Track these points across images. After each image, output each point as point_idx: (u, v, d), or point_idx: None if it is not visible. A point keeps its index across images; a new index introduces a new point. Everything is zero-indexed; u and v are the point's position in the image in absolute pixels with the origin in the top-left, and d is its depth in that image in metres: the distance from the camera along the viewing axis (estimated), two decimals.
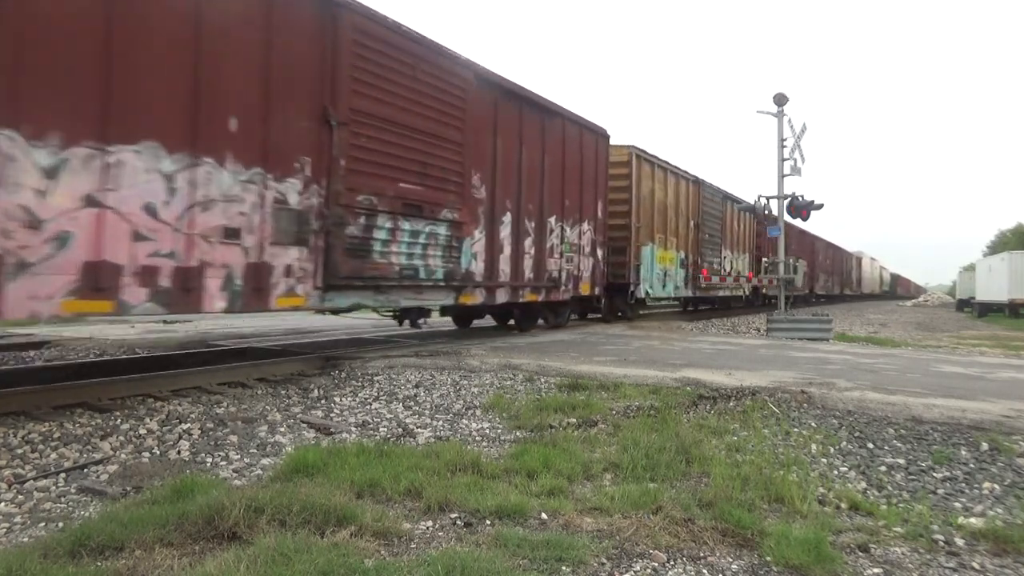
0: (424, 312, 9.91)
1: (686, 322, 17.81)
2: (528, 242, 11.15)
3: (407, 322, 10.62)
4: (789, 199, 16.85)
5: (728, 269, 21.85)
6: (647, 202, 15.98)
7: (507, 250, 10.55)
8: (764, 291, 25.94)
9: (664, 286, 17.00)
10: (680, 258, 18.04)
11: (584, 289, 13.11)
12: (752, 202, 18.10)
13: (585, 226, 13.14)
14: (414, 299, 8.76)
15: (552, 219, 11.90)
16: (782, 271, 17.42)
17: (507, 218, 10.58)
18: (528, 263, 11.12)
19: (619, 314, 16.08)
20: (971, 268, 43.99)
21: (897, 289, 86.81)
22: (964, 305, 41.72)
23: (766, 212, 17.69)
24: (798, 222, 18.95)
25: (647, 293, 15.89)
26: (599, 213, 13.79)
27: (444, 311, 10.57)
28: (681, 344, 11.02)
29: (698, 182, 19.16)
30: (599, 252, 13.84)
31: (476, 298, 9.92)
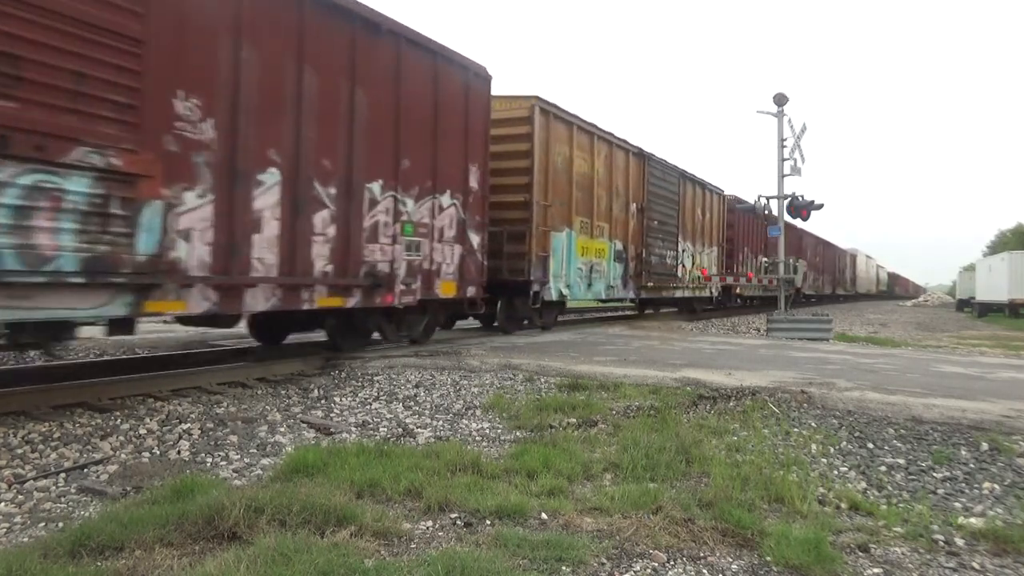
0: (56, 330, 5.57)
1: (686, 322, 17.80)
2: (322, 217, 7.23)
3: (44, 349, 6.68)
4: (789, 199, 16.85)
5: (688, 265, 18.50)
6: (561, 174, 12.26)
7: (271, 228, 6.66)
8: (738, 291, 22.91)
9: (590, 285, 13.45)
10: (615, 249, 14.40)
11: (445, 289, 9.21)
12: (752, 202, 18.08)
13: (445, 200, 9.13)
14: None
15: (375, 186, 7.91)
16: (782, 271, 17.43)
17: (270, 177, 6.64)
18: (323, 249, 7.24)
19: (524, 323, 12.47)
20: (971, 268, 44.02)
21: (895, 289, 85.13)
22: (964, 305, 41.76)
23: (766, 212, 17.68)
24: (784, 217, 17.79)
25: (562, 295, 12.36)
26: (472, 183, 9.69)
27: (115, 326, 5.95)
28: (681, 344, 11.02)
29: (642, 155, 15.54)
30: (473, 238, 9.80)
31: (189, 303, 5.98)
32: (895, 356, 10.33)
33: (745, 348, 10.81)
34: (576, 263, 12.84)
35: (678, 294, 18.28)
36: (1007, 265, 31.71)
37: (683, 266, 18.11)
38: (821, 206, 16.90)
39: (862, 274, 56.20)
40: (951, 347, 14.21)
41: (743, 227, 24.15)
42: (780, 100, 17.04)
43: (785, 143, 16.97)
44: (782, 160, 16.96)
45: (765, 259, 21.60)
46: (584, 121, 13.09)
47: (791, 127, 17.01)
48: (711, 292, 20.54)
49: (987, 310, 34.33)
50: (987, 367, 9.06)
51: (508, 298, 11.66)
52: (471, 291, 9.84)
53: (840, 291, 45.26)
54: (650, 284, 16.04)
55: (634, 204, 15.24)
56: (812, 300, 36.24)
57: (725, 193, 21.91)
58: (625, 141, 14.86)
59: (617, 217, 14.51)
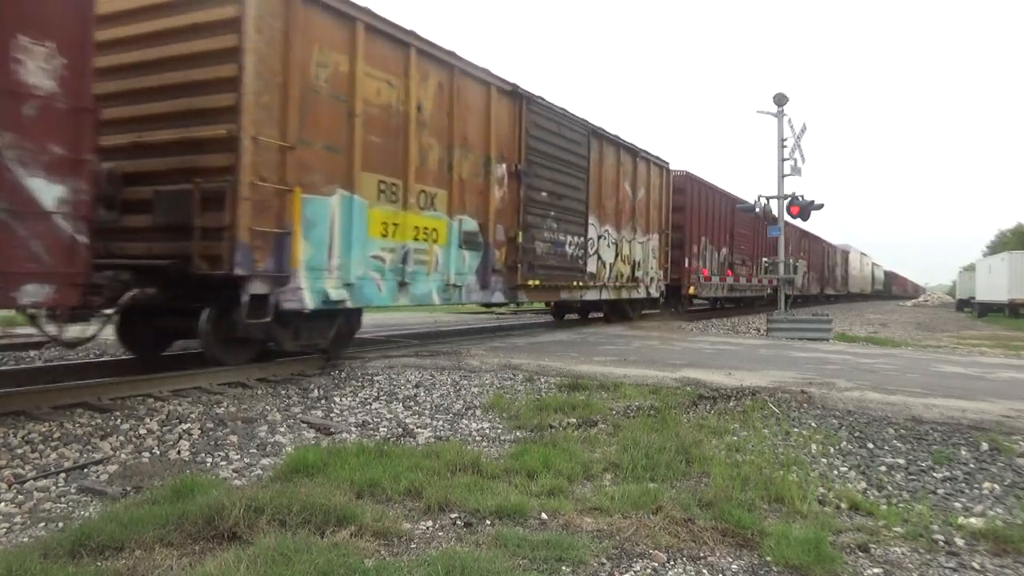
0: None
1: (686, 322, 17.79)
2: None
3: None
4: (789, 199, 16.86)
5: (609, 257, 13.98)
6: (328, 102, 7.35)
7: None
8: (691, 292, 19.07)
9: (404, 283, 8.34)
10: (462, 230, 9.46)
11: None
12: (752, 202, 18.07)
13: None
14: None
15: None
16: (782, 271, 17.44)
17: None
18: None
19: (269, 345, 7.51)
20: (971, 268, 44.01)
21: (892, 288, 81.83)
22: (964, 305, 41.75)
23: (766, 212, 17.66)
24: (784, 216, 16.98)
25: (328, 299, 7.34)
26: (30, 77, 4.76)
27: None
28: (681, 344, 11.02)
29: (518, 95, 10.61)
30: (43, 189, 4.85)
31: None
32: (895, 356, 10.33)
33: (745, 348, 10.82)
34: (368, 248, 7.81)
35: (590, 295, 13.46)
36: (1007, 265, 31.71)
37: (599, 258, 13.55)
38: (821, 206, 16.90)
39: (855, 272, 52.44)
40: (951, 347, 14.21)
41: (699, 212, 19.67)
42: (780, 100, 17.05)
43: (785, 143, 16.98)
44: (782, 160, 16.97)
45: (766, 259, 21.38)
46: (386, 21, 8.10)
47: (791, 127, 17.03)
48: (648, 292, 16.10)
49: (987, 310, 34.33)
50: (987, 367, 9.07)
51: (221, 307, 6.77)
52: (36, 294, 4.91)
53: (829, 291, 41.21)
54: (535, 282, 11.14)
55: (502, 166, 10.35)
56: (797, 301, 31.79)
57: (671, 167, 17.28)
58: (487, 72, 9.90)
59: (467, 182, 9.59)
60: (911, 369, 8.43)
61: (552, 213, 11.74)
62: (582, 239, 12.79)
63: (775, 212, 17.24)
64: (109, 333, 7.20)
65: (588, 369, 7.50)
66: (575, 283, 12.72)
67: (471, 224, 9.78)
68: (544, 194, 11.50)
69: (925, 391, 6.51)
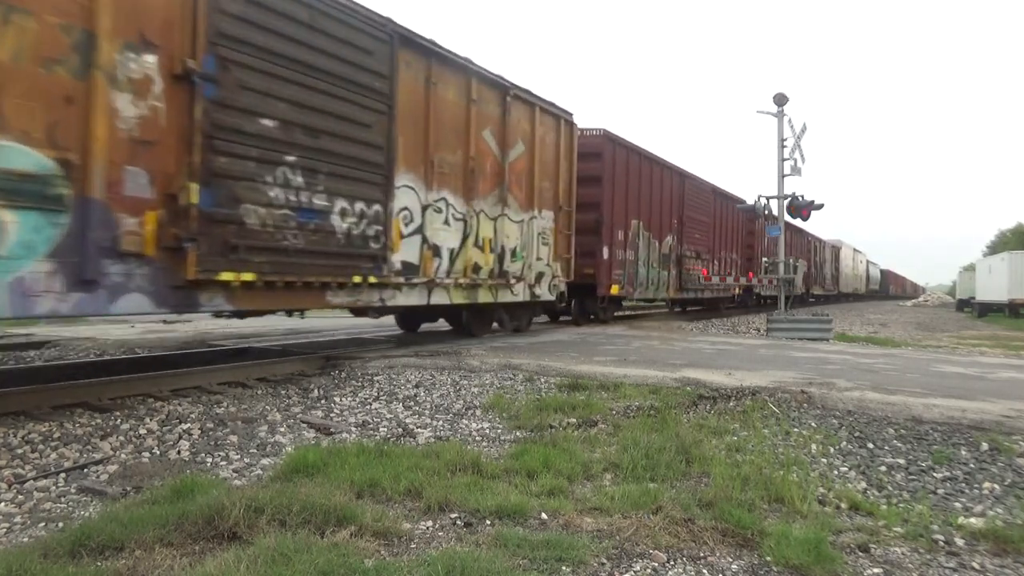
0: None
1: (686, 322, 17.77)
2: None
3: None
4: (789, 199, 16.85)
5: (449, 241, 9.43)
6: None
7: None
8: (613, 292, 14.44)
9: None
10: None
11: None
12: (752, 202, 18.04)
13: None
14: None
15: None
16: (782, 271, 17.43)
17: None
18: None
19: None
20: (971, 268, 44.02)
21: (889, 288, 78.76)
22: (964, 305, 41.78)
23: (766, 212, 17.64)
24: (784, 216, 16.56)
25: None
26: None
27: None
28: (681, 344, 11.02)
29: None
30: None
31: None
32: (895, 356, 10.33)
33: (745, 348, 10.82)
34: None
35: (404, 298, 8.72)
36: (1007, 265, 31.73)
37: (424, 241, 8.92)
38: (821, 206, 16.89)
39: (847, 270, 47.85)
40: (951, 347, 14.21)
41: (627, 187, 15.00)
42: (780, 100, 17.04)
43: (785, 143, 16.97)
44: (782, 160, 16.96)
45: (766, 260, 21.13)
46: None
47: (791, 127, 17.02)
48: (533, 293, 11.45)
49: (987, 310, 34.35)
50: (987, 367, 9.07)
51: None
52: None
53: (817, 290, 37.01)
54: (246, 277, 6.37)
55: (143, 57, 5.59)
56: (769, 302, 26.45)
57: (574, 120, 12.57)
58: None
59: (7, 72, 4.72)
60: (911, 369, 8.43)
61: (292, 158, 6.91)
62: (379, 208, 8.07)
63: (775, 212, 17.23)
64: (112, 330, 7.18)
65: (588, 369, 7.50)
66: (359, 279, 7.81)
67: (24, 157, 4.87)
68: (270, 123, 6.68)
69: (925, 391, 6.51)
